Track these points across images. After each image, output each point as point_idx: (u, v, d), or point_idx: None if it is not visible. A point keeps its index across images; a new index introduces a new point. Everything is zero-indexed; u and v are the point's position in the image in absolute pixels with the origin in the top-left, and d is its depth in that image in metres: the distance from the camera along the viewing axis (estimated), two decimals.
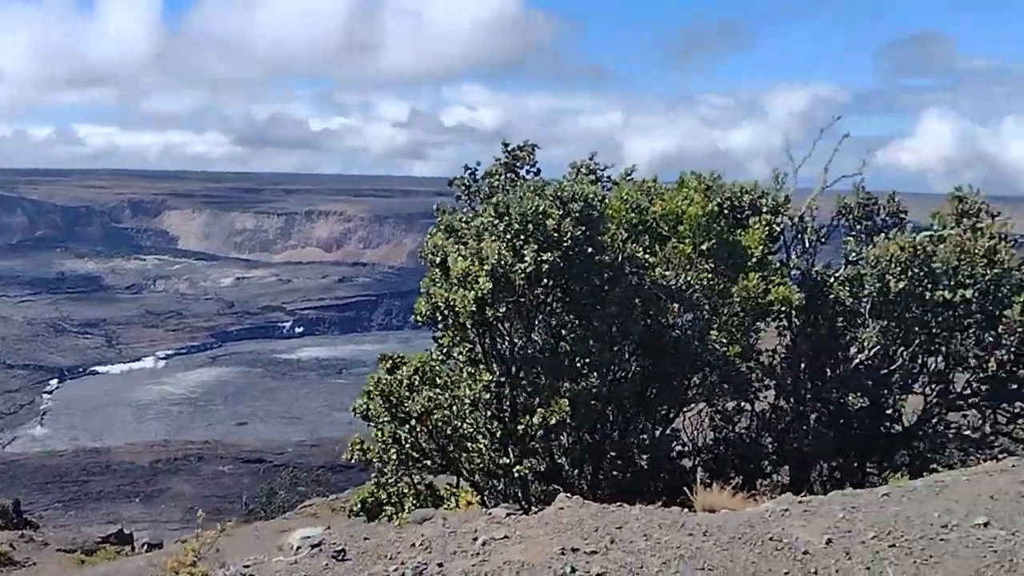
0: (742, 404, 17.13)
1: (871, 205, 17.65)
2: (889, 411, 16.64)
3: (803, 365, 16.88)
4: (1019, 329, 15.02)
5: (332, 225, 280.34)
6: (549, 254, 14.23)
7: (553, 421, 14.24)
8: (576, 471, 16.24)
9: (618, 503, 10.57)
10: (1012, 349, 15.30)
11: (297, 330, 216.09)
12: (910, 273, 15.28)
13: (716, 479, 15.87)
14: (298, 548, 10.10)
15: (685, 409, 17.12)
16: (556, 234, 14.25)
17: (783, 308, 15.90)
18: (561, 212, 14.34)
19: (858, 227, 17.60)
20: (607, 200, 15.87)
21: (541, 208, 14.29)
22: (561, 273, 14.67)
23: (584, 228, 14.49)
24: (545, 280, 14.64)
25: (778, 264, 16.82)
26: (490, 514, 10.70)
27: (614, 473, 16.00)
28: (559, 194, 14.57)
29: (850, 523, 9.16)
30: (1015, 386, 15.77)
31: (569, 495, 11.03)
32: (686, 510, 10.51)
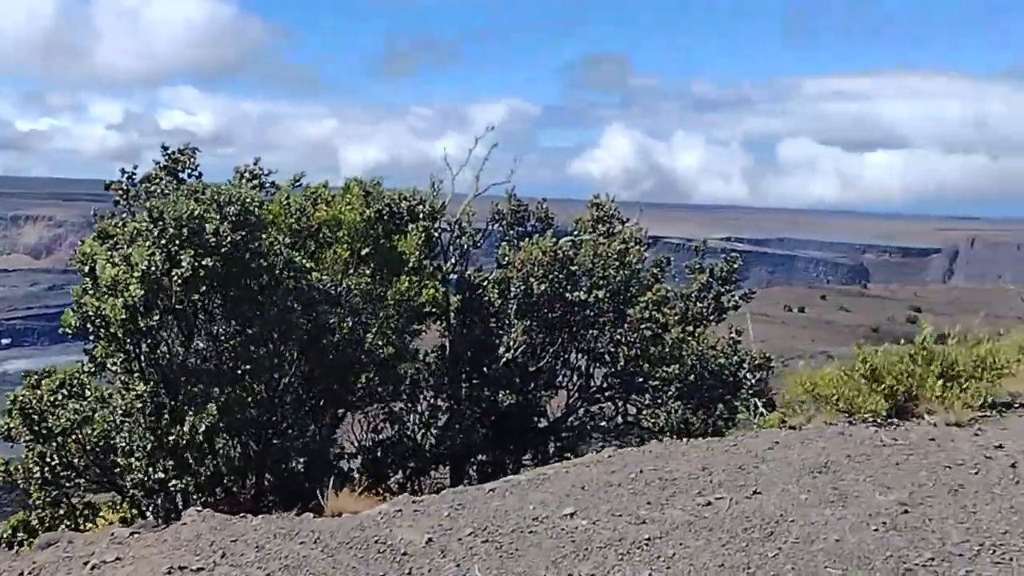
0: (410, 405, 17.48)
1: (522, 211, 18.52)
2: (537, 406, 17.52)
3: (461, 365, 17.43)
4: (641, 327, 16.25)
5: (41, 230, 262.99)
6: (208, 259, 13.95)
7: (203, 428, 13.98)
8: (238, 481, 16.00)
9: (242, 514, 10.50)
10: (636, 345, 16.48)
11: (3, 341, 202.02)
12: (551, 276, 16.16)
13: (376, 480, 16.18)
14: None
15: (356, 412, 17.28)
16: (214, 239, 13.98)
17: (435, 310, 16.37)
18: (219, 216, 14.09)
19: (510, 232, 18.42)
20: (267, 205, 15.74)
21: (197, 212, 13.98)
22: (220, 279, 14.42)
23: (243, 233, 14.30)
24: (203, 286, 14.34)
25: (434, 268, 17.25)
26: (113, 535, 10.37)
27: (273, 481, 15.90)
28: (216, 198, 14.29)
29: (453, 520, 9.44)
30: (641, 379, 17.01)
31: (199, 509, 10.83)
32: (311, 516, 10.57)
